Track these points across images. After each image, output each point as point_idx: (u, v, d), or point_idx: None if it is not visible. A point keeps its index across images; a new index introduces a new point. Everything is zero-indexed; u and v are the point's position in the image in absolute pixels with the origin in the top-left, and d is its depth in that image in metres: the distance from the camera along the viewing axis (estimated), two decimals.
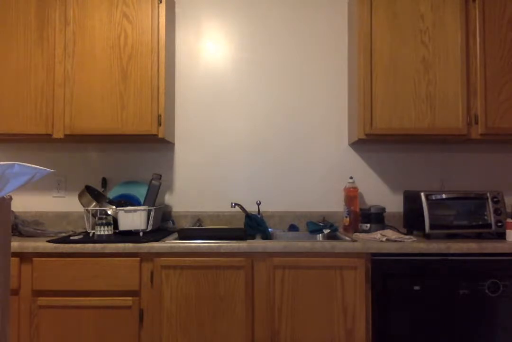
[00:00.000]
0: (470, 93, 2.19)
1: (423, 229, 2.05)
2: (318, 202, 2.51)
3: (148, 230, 2.10)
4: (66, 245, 1.87)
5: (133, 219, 2.04)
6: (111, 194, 2.36)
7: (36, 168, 0.82)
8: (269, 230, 2.30)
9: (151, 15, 2.19)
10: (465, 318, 1.88)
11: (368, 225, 2.21)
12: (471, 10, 2.20)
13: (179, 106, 2.54)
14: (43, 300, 1.87)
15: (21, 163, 0.80)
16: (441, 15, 2.19)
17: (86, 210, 2.11)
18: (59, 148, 2.52)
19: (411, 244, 1.89)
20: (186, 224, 2.48)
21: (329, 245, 1.88)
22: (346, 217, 2.34)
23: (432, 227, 2.04)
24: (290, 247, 1.88)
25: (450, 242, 1.92)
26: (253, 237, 2.12)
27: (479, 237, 2.08)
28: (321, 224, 2.32)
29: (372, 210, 2.22)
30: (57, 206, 2.51)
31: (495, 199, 2.07)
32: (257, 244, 1.89)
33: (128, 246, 1.87)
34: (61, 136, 2.19)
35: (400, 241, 1.94)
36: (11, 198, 0.88)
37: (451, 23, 2.19)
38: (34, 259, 1.88)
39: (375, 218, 2.22)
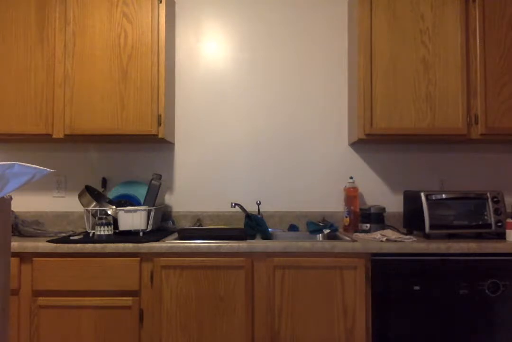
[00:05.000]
0: (470, 93, 2.19)
1: (423, 229, 2.05)
2: (318, 202, 2.51)
3: (148, 230, 2.10)
4: (66, 245, 1.87)
5: (133, 219, 2.04)
6: (111, 194, 2.36)
7: (36, 168, 0.82)
8: (269, 230, 2.30)
9: (151, 15, 2.19)
10: (465, 318, 1.88)
11: (368, 225, 2.21)
12: (471, 10, 2.20)
13: (179, 106, 2.54)
14: (43, 300, 1.87)
15: (21, 163, 0.80)
16: (441, 15, 2.19)
17: (86, 210, 2.11)
18: (59, 148, 2.52)
19: (411, 244, 1.89)
20: (186, 224, 2.48)
21: (329, 245, 1.88)
22: (346, 217, 2.34)
23: (432, 227, 2.04)
24: (290, 247, 1.88)
25: (450, 242, 1.92)
26: (253, 237, 2.12)
27: (479, 237, 2.08)
28: (321, 224, 2.32)
29: (372, 210, 2.22)
30: (57, 206, 2.51)
31: (495, 199, 2.07)
32: (257, 244, 1.89)
33: (128, 246, 1.87)
34: (61, 136, 2.19)
35: (400, 241, 1.94)
36: (11, 198, 0.88)
37: (451, 23, 2.19)
38: (34, 259, 1.88)
39: (375, 218, 2.22)
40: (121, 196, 2.35)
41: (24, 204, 2.51)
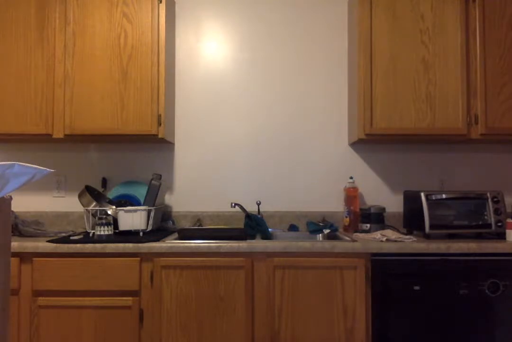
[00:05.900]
0: (470, 93, 2.19)
1: (423, 229, 2.05)
2: (318, 202, 2.51)
3: (148, 230, 2.10)
4: (66, 245, 1.87)
5: (133, 219, 2.04)
6: (111, 194, 2.36)
7: (36, 168, 0.82)
8: (269, 230, 2.30)
9: (151, 15, 2.19)
10: (465, 318, 1.88)
11: (368, 225, 2.21)
12: (471, 10, 2.20)
13: (179, 106, 2.54)
14: (43, 300, 1.87)
15: (21, 163, 0.80)
16: (441, 15, 2.19)
17: (86, 210, 2.11)
18: (59, 148, 2.52)
19: (411, 244, 1.89)
20: (186, 224, 2.48)
21: (329, 245, 1.88)
22: (346, 217, 2.34)
23: (432, 227, 2.04)
24: (290, 247, 1.88)
25: (450, 242, 1.92)
26: (253, 237, 2.12)
27: (479, 237, 2.08)
28: (321, 224, 2.32)
29: (372, 210, 2.22)
30: (57, 206, 2.51)
31: (495, 199, 2.07)
32: (257, 244, 1.89)
33: (128, 246, 1.87)
34: (61, 136, 2.19)
35: (400, 241, 1.94)
36: (11, 198, 0.88)
37: (451, 23, 2.19)
38: (34, 259, 1.88)
39: (375, 218, 2.22)
40: (121, 196, 2.35)
41: (24, 204, 2.51)
